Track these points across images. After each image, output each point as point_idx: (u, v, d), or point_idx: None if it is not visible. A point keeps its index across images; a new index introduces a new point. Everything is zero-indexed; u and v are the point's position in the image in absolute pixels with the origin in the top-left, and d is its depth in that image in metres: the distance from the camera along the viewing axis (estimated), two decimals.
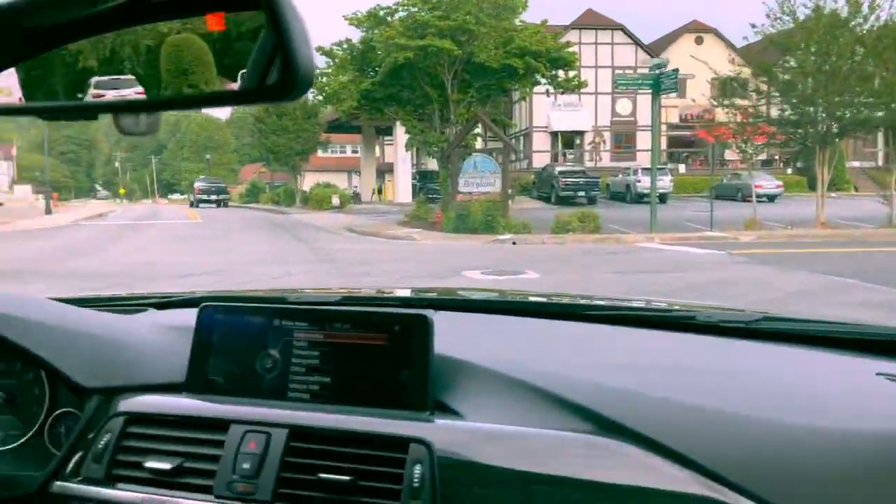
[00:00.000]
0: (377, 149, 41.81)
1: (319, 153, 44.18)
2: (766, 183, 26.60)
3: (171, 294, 1.59)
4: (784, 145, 20.66)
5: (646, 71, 18.92)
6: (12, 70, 0.78)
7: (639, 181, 27.24)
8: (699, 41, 34.61)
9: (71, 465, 1.10)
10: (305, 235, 17.05)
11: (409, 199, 27.77)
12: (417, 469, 0.95)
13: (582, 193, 26.92)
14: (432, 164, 29.02)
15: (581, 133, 35.08)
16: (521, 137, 35.52)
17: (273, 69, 0.68)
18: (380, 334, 1.07)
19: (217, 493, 1.01)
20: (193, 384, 1.14)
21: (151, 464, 1.05)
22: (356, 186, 41.83)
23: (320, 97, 21.91)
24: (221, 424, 1.06)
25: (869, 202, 20.00)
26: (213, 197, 38.15)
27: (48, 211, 26.29)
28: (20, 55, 0.77)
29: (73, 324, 1.21)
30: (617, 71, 31.39)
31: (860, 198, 25.22)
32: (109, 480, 1.06)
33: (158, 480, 1.04)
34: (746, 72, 18.57)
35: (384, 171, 41.19)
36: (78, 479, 1.08)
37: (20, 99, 0.81)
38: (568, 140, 35.47)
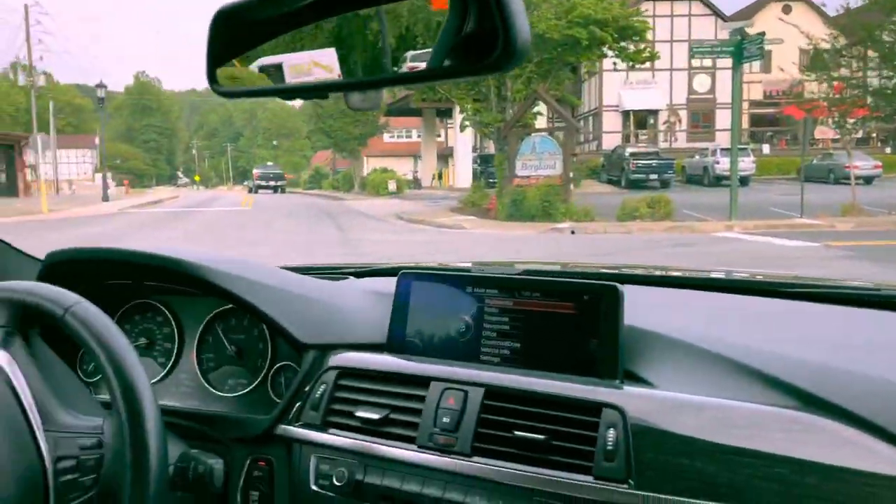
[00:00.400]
0: (440, 132, 40.53)
1: (385, 138, 43.28)
2: (862, 163, 23.93)
3: (368, 265, 1.70)
4: (886, 120, 18.30)
5: (726, 37, 16.85)
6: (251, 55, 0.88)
7: (717, 162, 25.06)
8: (787, 10, 31.66)
9: (292, 411, 1.20)
10: (348, 223, 15.97)
11: (469, 185, 26.45)
12: (611, 433, 0.96)
13: (654, 176, 24.96)
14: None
15: (655, 112, 32.75)
16: (591, 117, 33.59)
17: (495, 41, 0.70)
18: (568, 303, 1.09)
19: (420, 443, 1.08)
20: (394, 345, 1.22)
21: (361, 413, 1.13)
22: (416, 171, 40.71)
23: None
24: (422, 381, 1.12)
25: None
26: (272, 183, 38.46)
27: (105, 198, 26.23)
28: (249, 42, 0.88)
29: (293, 287, 1.31)
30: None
31: None
32: (324, 426, 1.16)
33: (367, 429, 1.12)
34: (843, 40, 16.34)
35: (446, 155, 39.87)
36: (298, 424, 1.19)
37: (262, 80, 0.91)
38: (641, 120, 33.27)
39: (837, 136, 29.92)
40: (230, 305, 1.38)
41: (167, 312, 1.45)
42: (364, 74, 0.89)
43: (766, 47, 15.62)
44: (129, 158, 70.96)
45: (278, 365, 1.35)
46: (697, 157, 27.07)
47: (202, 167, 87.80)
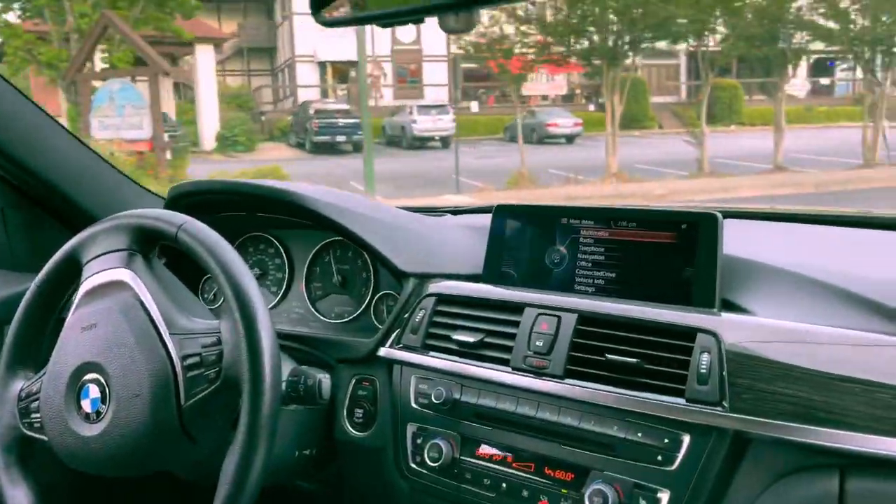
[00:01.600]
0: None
1: None
2: (562, 121, 22.32)
3: (465, 205, 1.79)
4: (589, 76, 16.44)
5: None
6: None
7: (414, 122, 22.03)
8: None
9: (393, 335, 1.28)
10: None
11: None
12: (705, 357, 0.97)
13: (342, 138, 21.30)
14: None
15: (356, 64, 29.02)
16: (286, 70, 29.04)
17: None
18: (666, 233, 1.10)
19: (513, 365, 1.13)
20: (490, 275, 1.26)
21: (458, 337, 1.19)
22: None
23: None
24: (517, 308, 1.17)
25: (675, 142, 16.42)
26: None
27: None
28: None
29: (396, 220, 1.39)
30: None
31: (665, 137, 21.74)
32: (424, 349, 1.23)
33: (463, 352, 1.19)
34: None
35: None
36: (399, 347, 1.26)
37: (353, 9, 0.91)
38: (342, 73, 29.41)
39: (549, 95, 29.08)
40: (336, 238, 1.45)
41: (278, 244, 1.54)
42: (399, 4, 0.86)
43: None
44: None
45: (380, 293, 1.42)
46: (398, 116, 23.91)
47: None
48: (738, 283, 1.07)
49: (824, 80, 28.55)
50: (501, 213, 1.26)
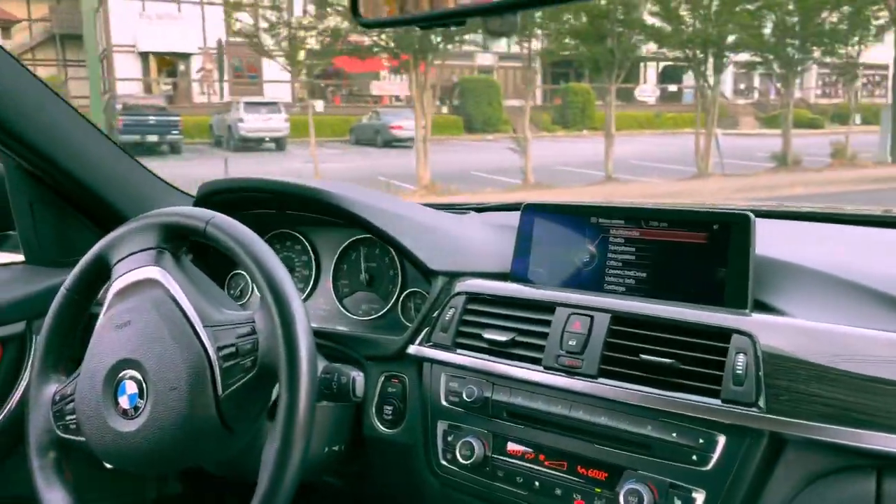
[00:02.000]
0: None
1: None
2: (406, 123, 20.75)
3: (488, 201, 1.69)
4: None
5: None
6: None
7: (241, 121, 19.86)
8: None
9: (423, 333, 1.26)
10: None
11: None
12: (741, 358, 0.96)
13: (154, 137, 18.86)
14: None
15: (187, 56, 26.21)
16: (104, 61, 25.84)
17: None
18: (698, 233, 1.09)
19: (545, 364, 1.11)
20: (518, 273, 1.25)
21: (489, 335, 1.18)
22: None
23: None
24: (548, 307, 1.16)
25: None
26: None
27: None
28: None
29: (423, 218, 1.38)
30: None
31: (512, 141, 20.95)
32: (454, 347, 1.21)
33: (494, 350, 1.17)
34: None
35: None
36: (429, 345, 1.24)
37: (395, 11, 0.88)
38: (169, 65, 26.57)
39: (399, 94, 27.55)
40: (363, 235, 1.44)
41: (305, 241, 1.53)
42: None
43: None
44: None
45: (408, 291, 1.40)
46: (227, 115, 21.58)
47: None
48: (770, 283, 1.07)
49: (671, 87, 28.66)
50: (530, 211, 1.25)
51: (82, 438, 1.04)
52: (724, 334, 0.99)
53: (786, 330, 0.97)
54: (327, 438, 1.26)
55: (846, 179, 12.15)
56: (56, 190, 1.48)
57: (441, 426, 1.21)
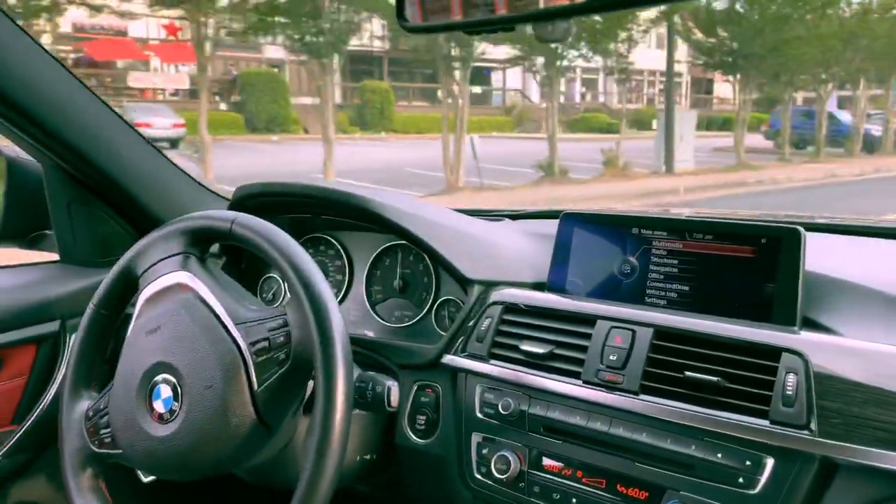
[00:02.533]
0: None
1: None
2: (158, 120, 17.41)
3: (523, 209, 1.69)
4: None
5: None
6: None
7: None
8: None
9: (458, 342, 1.24)
10: None
11: None
12: (791, 378, 0.94)
13: None
14: None
15: None
16: None
17: None
18: (745, 247, 1.07)
19: (585, 378, 1.08)
20: (556, 284, 1.23)
21: (526, 347, 1.15)
22: None
23: None
24: (588, 320, 1.13)
25: (311, 148, 14.10)
26: None
27: None
28: None
29: (459, 225, 1.36)
30: None
31: (306, 143, 18.74)
32: (490, 357, 1.19)
33: (531, 363, 1.15)
34: None
35: None
36: (464, 355, 1.22)
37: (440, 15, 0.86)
38: None
39: (163, 88, 23.95)
40: (397, 241, 1.42)
41: (338, 246, 1.52)
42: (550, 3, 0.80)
43: None
44: None
45: (442, 299, 1.39)
46: None
47: None
48: (820, 300, 1.04)
49: (476, 89, 27.30)
50: (569, 220, 1.24)
51: (118, 451, 1.03)
52: (774, 352, 0.97)
53: (839, 349, 0.95)
54: (360, 447, 1.25)
55: (610, 194, 11.03)
56: (93, 190, 1.49)
57: (475, 438, 1.19)
